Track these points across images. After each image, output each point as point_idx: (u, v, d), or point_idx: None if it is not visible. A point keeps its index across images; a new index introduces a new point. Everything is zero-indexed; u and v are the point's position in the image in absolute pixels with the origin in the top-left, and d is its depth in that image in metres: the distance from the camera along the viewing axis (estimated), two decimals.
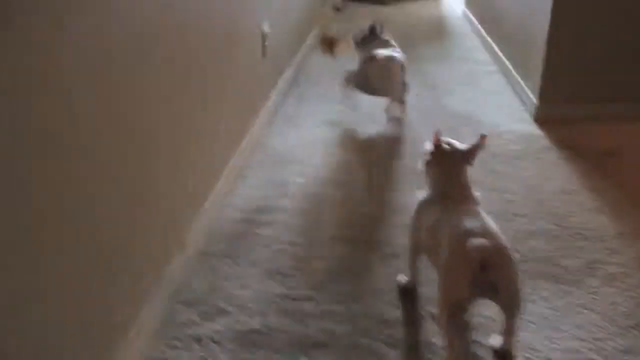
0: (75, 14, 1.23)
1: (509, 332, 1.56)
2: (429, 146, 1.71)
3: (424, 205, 1.72)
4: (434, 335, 1.65)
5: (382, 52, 3.03)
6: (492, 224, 1.54)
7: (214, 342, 1.63)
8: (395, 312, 1.74)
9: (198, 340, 1.64)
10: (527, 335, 1.64)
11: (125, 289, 1.52)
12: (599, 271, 1.91)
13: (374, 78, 2.97)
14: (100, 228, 1.38)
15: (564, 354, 1.58)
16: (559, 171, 2.59)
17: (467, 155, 1.70)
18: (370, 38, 3.13)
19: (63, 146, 1.21)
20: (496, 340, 1.60)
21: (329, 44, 3.25)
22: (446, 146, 1.70)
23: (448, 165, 1.70)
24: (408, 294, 1.82)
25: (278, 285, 1.85)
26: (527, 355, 1.58)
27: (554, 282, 1.86)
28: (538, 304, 1.77)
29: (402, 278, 1.85)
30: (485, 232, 1.48)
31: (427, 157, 1.73)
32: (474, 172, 2.51)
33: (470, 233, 1.47)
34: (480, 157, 2.66)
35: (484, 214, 1.58)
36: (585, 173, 2.57)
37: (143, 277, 1.63)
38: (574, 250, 2.02)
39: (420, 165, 1.78)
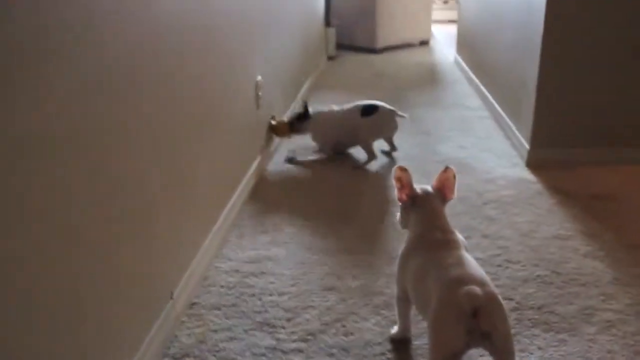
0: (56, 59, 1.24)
1: None
2: (401, 195, 1.72)
3: (406, 254, 1.69)
4: None
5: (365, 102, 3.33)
6: (479, 270, 1.51)
7: None
8: None
9: None
10: None
11: (111, 343, 1.49)
12: (595, 318, 1.88)
13: (395, 121, 3.29)
14: (86, 281, 1.36)
15: None
16: (553, 216, 2.58)
17: (440, 193, 1.71)
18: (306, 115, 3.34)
19: (47, 193, 1.20)
20: None
21: (284, 128, 3.34)
22: (418, 191, 1.71)
23: (424, 208, 1.70)
24: (401, 346, 1.78)
25: (267, 337, 1.81)
26: None
27: (550, 331, 1.82)
28: (534, 354, 1.73)
29: (394, 330, 1.82)
30: (473, 279, 1.44)
31: (402, 204, 1.74)
32: (466, 219, 2.53)
33: (459, 281, 1.43)
34: (473, 203, 2.69)
35: (469, 259, 1.55)
36: (578, 218, 2.56)
37: (130, 331, 1.60)
38: (569, 297, 1.99)
39: (398, 217, 1.80)
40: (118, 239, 1.51)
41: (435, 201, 1.70)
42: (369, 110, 3.22)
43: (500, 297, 1.43)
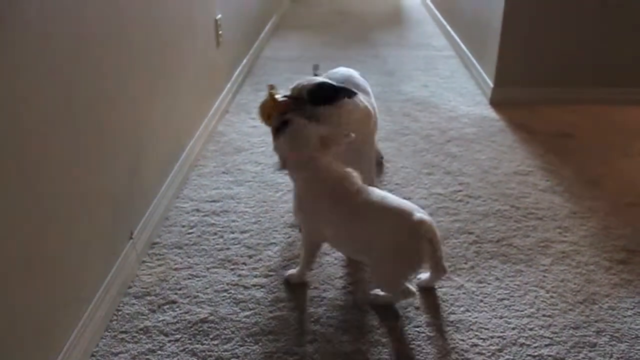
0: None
1: (439, 269, 1.61)
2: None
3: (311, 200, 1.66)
4: (386, 318, 1.64)
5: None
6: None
7: (163, 333, 1.59)
8: (348, 297, 1.72)
9: (146, 332, 1.59)
10: (480, 316, 1.64)
11: (74, 282, 1.47)
12: (551, 249, 1.93)
13: None
14: (42, 221, 1.32)
15: (516, 332, 1.58)
16: (514, 153, 2.60)
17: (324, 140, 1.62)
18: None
19: (11, 136, 1.15)
20: (424, 278, 1.74)
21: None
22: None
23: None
24: (361, 275, 1.81)
25: (229, 274, 1.81)
26: (479, 335, 1.57)
27: (507, 262, 1.86)
28: (491, 284, 1.77)
29: (293, 271, 1.80)
30: (410, 206, 1.59)
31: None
32: (429, 156, 2.54)
33: (401, 212, 1.56)
34: (436, 141, 2.70)
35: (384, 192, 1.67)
36: (539, 154, 2.59)
37: (90, 271, 1.57)
38: (526, 230, 2.03)
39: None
40: (79, 180, 1.47)
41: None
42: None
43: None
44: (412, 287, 1.65)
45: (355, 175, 1.63)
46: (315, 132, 1.61)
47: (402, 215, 1.56)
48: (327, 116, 1.75)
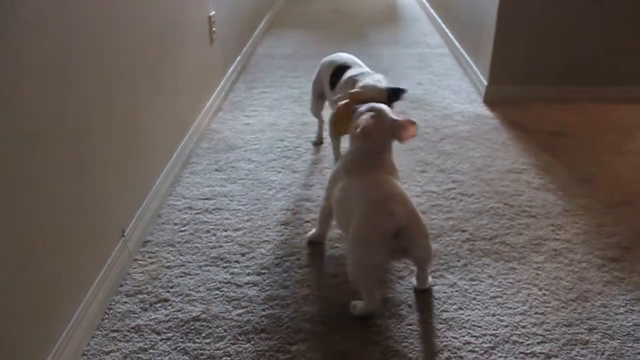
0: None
1: (422, 277, 1.71)
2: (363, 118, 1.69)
3: (336, 174, 1.76)
4: (378, 317, 1.63)
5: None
6: (398, 188, 1.60)
7: (155, 332, 1.58)
8: (342, 296, 1.72)
9: (138, 330, 1.58)
10: (472, 314, 1.64)
11: (64, 281, 1.46)
12: (544, 247, 1.93)
13: None
14: (38, 217, 1.31)
15: (508, 330, 1.58)
16: (508, 151, 2.60)
17: (396, 129, 1.70)
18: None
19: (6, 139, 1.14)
20: (415, 283, 1.74)
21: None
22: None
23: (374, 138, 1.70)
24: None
25: (222, 272, 1.81)
26: (472, 332, 1.57)
27: (500, 260, 1.86)
28: (484, 281, 1.77)
29: (311, 232, 1.95)
30: (393, 198, 1.55)
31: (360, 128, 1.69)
32: (423, 154, 2.53)
33: (380, 201, 1.54)
34: (430, 139, 2.70)
35: (389, 179, 1.63)
36: (533, 152, 2.59)
37: (81, 269, 1.56)
38: (519, 227, 2.03)
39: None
40: (71, 178, 1.46)
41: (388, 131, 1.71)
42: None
43: (419, 213, 1.57)
44: (378, 297, 1.62)
45: (394, 174, 1.69)
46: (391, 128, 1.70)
47: (374, 204, 1.53)
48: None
